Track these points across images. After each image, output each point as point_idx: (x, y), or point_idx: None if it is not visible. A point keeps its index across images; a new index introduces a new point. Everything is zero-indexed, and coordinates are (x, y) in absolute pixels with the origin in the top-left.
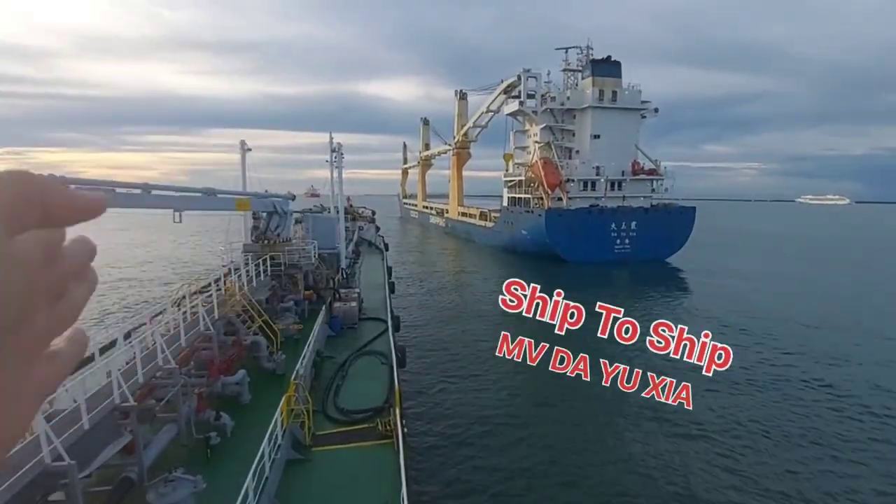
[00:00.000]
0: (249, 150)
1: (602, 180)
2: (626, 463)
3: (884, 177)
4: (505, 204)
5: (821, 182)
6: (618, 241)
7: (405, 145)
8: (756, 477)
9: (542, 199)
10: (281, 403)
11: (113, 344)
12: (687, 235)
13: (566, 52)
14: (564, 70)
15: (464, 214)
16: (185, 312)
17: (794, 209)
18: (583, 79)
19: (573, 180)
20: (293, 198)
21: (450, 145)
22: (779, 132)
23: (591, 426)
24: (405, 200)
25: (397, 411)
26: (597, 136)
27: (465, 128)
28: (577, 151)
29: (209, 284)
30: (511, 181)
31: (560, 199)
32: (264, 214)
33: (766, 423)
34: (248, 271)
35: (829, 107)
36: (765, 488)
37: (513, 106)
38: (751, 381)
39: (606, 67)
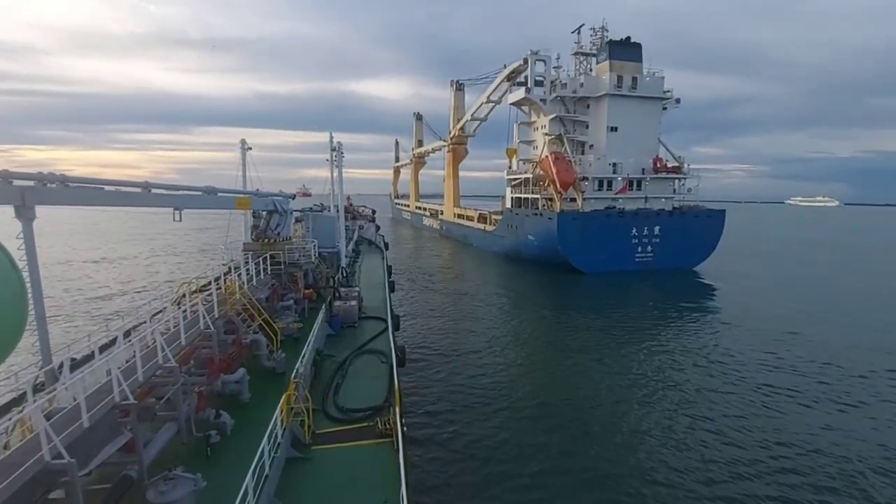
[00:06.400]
0: (250, 148)
1: (620, 178)
2: (631, 468)
3: (870, 179)
4: (508, 205)
5: (809, 184)
6: (639, 249)
7: (397, 143)
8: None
9: (551, 199)
10: (281, 402)
11: (113, 342)
12: (715, 242)
13: (578, 33)
14: (576, 54)
15: (460, 216)
16: (185, 311)
17: (785, 211)
18: (598, 63)
19: (587, 178)
20: (293, 196)
21: (445, 141)
22: (767, 135)
23: (592, 424)
24: (397, 201)
25: (397, 410)
26: (614, 129)
27: (462, 121)
28: (592, 146)
29: (209, 283)
30: (515, 179)
31: (573, 199)
32: (264, 213)
33: None
34: (248, 270)
35: (816, 110)
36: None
37: (518, 94)
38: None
39: (626, 50)
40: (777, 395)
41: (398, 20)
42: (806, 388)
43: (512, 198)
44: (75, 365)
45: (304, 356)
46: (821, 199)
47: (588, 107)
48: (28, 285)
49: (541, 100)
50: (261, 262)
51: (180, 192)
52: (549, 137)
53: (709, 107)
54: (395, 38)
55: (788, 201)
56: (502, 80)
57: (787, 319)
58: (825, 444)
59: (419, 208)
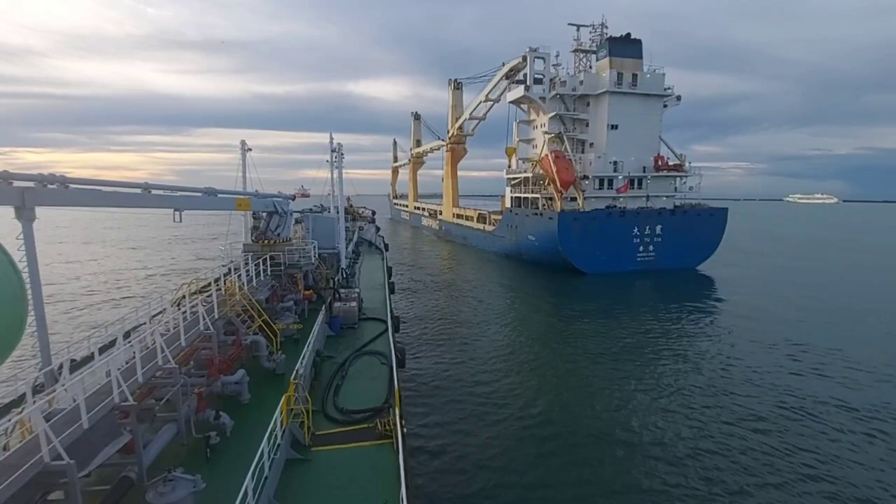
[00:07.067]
0: (250, 150)
1: (621, 177)
2: (633, 468)
3: (868, 176)
4: (507, 205)
5: (807, 182)
6: (641, 249)
7: (395, 142)
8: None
9: (552, 199)
10: (280, 403)
11: (112, 343)
12: (718, 241)
13: (577, 30)
14: (576, 51)
15: (459, 216)
16: (185, 312)
17: (784, 208)
18: (598, 60)
19: (588, 177)
20: (293, 198)
21: (443, 141)
22: (765, 133)
23: (594, 426)
24: (395, 201)
25: (397, 411)
26: (614, 127)
27: (461, 120)
28: (592, 144)
29: (209, 284)
30: (515, 179)
31: (574, 198)
32: (264, 214)
33: None
34: (248, 271)
35: (814, 108)
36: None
37: (517, 92)
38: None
39: (626, 47)
40: (788, 394)
41: (397, 21)
42: (817, 387)
43: (511, 197)
44: (75, 366)
45: (303, 357)
46: (819, 196)
47: (588, 104)
48: (28, 286)
49: (540, 98)
50: (261, 264)
51: (180, 194)
52: (549, 136)
53: (707, 105)
54: (394, 39)
55: (787, 198)
56: (501, 78)
57: (792, 318)
58: (837, 442)
59: (418, 208)
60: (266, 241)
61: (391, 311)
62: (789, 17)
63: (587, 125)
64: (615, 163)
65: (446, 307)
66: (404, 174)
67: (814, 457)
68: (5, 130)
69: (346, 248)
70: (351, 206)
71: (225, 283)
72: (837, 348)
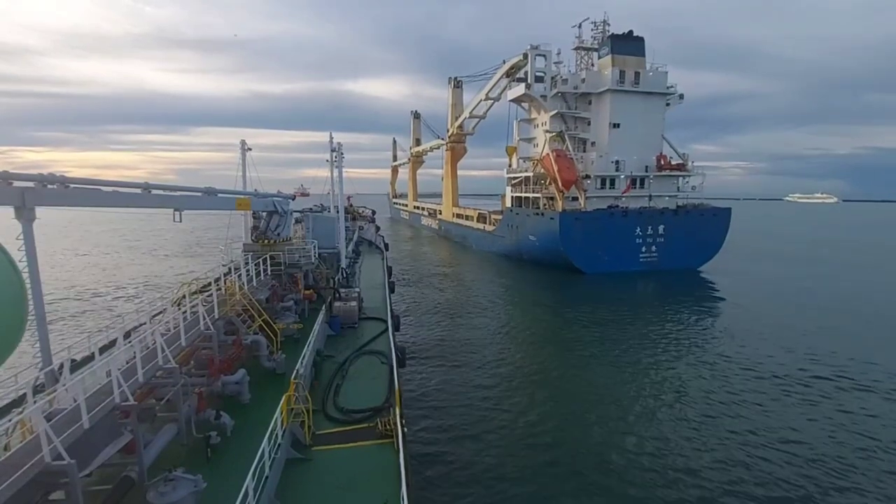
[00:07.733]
0: (250, 149)
1: (622, 176)
2: (634, 470)
3: (868, 175)
4: (508, 204)
5: (807, 181)
6: (643, 249)
7: (395, 141)
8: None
9: (553, 198)
10: (281, 403)
11: (113, 343)
12: (721, 241)
13: (579, 27)
14: (577, 48)
15: (459, 216)
16: (185, 312)
17: (784, 208)
18: (600, 58)
19: (589, 176)
20: (293, 197)
21: (443, 140)
22: (765, 132)
23: (595, 426)
24: (395, 200)
25: (397, 411)
26: (616, 125)
27: (461, 118)
28: (593, 143)
29: (209, 284)
30: (515, 178)
31: (575, 198)
32: (264, 214)
33: None
34: (248, 271)
35: (815, 107)
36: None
37: (517, 90)
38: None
39: (628, 44)
40: (795, 394)
41: (395, 19)
42: (827, 391)
43: (512, 197)
44: (75, 366)
45: (304, 357)
46: (819, 195)
47: (590, 103)
48: (28, 286)
49: (541, 96)
50: (261, 263)
51: (180, 193)
52: (550, 134)
53: (706, 104)
54: (392, 38)
55: (787, 198)
56: (501, 77)
57: (795, 318)
58: (844, 444)
59: (417, 208)
60: (266, 241)
61: (391, 311)
62: (788, 14)
63: (589, 124)
64: (617, 162)
65: (446, 307)
66: (404, 173)
67: (837, 467)
68: (4, 130)
69: (346, 247)
70: (351, 205)
71: (225, 283)
72: (846, 350)
